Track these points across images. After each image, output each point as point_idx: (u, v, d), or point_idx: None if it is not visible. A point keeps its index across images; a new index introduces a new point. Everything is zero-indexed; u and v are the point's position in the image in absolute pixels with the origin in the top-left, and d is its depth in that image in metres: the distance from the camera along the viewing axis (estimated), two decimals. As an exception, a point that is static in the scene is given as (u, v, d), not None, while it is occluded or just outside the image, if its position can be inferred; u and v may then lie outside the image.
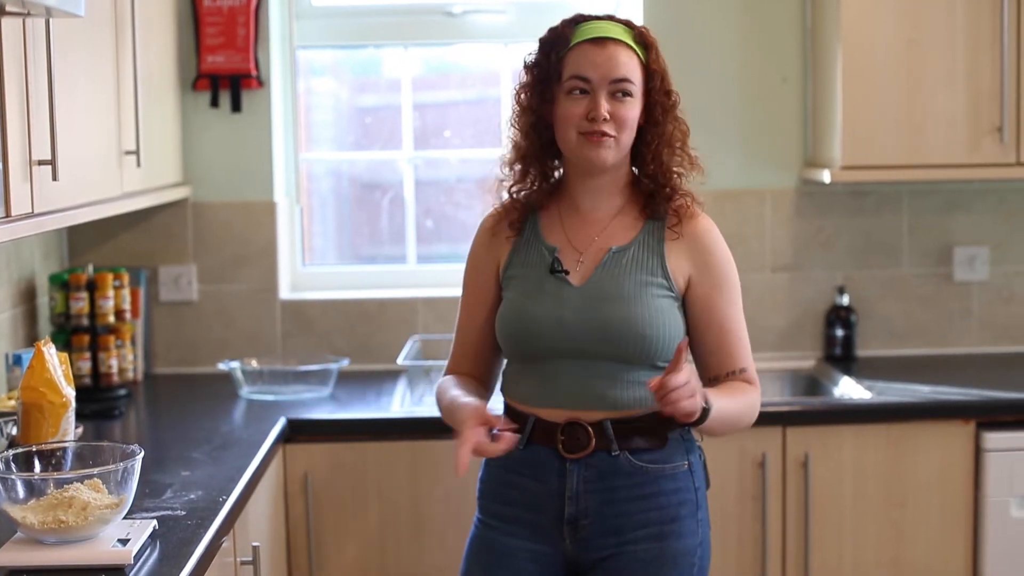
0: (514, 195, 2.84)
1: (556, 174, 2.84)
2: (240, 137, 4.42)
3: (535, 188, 2.83)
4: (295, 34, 4.49)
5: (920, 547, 3.93)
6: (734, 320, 2.78)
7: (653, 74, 2.73)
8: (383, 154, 4.73)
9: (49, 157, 2.80)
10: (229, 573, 2.89)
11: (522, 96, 2.81)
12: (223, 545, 2.75)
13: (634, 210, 2.79)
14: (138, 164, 3.59)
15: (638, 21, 4.42)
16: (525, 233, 2.82)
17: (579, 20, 2.77)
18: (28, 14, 2.46)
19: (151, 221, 4.40)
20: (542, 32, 4.52)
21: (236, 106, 4.38)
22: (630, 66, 2.70)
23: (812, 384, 4.45)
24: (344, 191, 4.80)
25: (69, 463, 2.67)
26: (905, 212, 4.57)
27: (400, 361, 4.10)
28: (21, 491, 2.46)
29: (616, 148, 2.70)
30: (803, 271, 4.58)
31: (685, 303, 2.75)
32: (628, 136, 2.71)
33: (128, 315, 4.12)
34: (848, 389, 4.18)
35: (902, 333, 4.62)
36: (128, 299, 4.12)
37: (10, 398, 3.47)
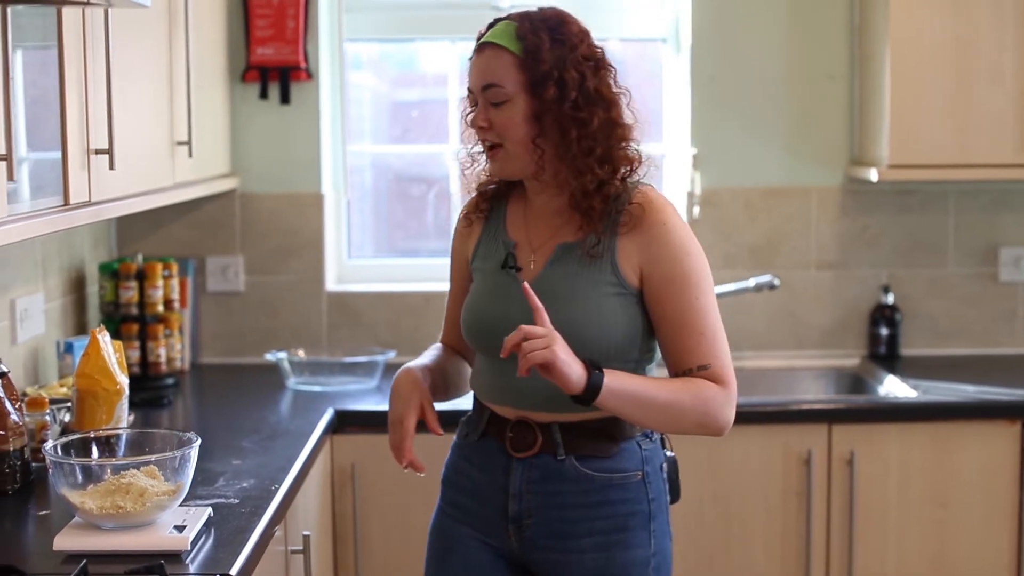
0: (479, 185, 2.76)
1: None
2: (288, 129, 4.44)
3: (492, 181, 2.75)
4: (344, 27, 4.50)
5: (964, 546, 3.93)
6: (691, 313, 2.56)
7: (532, 68, 2.52)
8: (430, 148, 4.75)
9: (106, 146, 2.83)
10: (280, 562, 2.91)
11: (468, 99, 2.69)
12: (275, 534, 2.77)
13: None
14: (190, 154, 3.61)
15: (685, 18, 4.47)
16: (492, 224, 2.74)
17: (489, 27, 2.62)
18: (88, 3, 2.48)
19: (199, 211, 4.42)
20: (589, 26, 4.56)
21: (285, 98, 4.40)
22: (497, 69, 2.54)
23: (856, 382, 4.44)
24: (383, 185, 4.81)
25: (123, 450, 2.70)
26: (951, 211, 4.56)
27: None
28: (79, 477, 2.49)
29: (510, 157, 2.58)
30: (848, 269, 4.57)
31: (644, 298, 2.60)
32: (514, 143, 2.55)
33: (176, 305, 4.15)
34: (893, 388, 4.18)
35: (947, 332, 4.61)
36: (177, 289, 4.15)
37: (62, 385, 3.50)
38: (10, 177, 2.31)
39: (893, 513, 3.92)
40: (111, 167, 2.85)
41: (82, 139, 2.74)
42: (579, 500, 2.62)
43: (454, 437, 2.83)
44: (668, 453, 2.76)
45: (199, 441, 2.58)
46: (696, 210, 4.51)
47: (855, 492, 3.89)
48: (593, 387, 2.45)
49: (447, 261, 2.88)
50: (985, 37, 4.14)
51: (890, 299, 4.53)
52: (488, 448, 2.69)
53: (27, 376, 3.56)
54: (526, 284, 2.50)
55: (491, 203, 2.76)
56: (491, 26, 2.61)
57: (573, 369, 2.42)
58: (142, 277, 4.04)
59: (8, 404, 2.84)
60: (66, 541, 2.42)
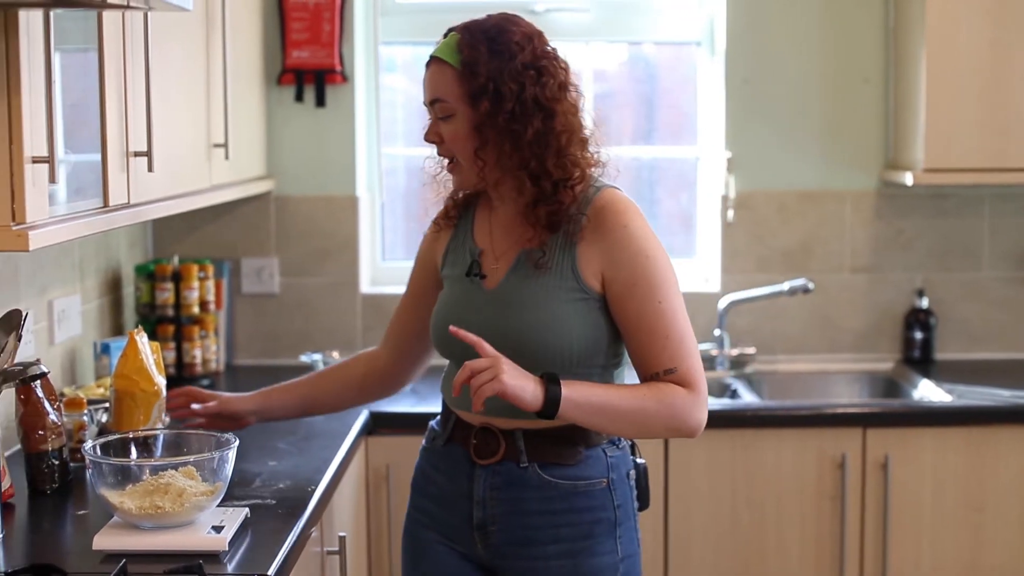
0: (449, 193, 2.77)
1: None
2: (324, 131, 4.46)
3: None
4: (379, 30, 4.52)
5: (999, 551, 3.92)
6: (655, 317, 2.54)
7: (470, 80, 2.53)
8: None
9: (145, 149, 2.85)
10: (316, 563, 2.92)
11: None
12: (312, 535, 2.78)
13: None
14: (226, 157, 3.63)
15: (719, 21, 4.47)
16: (460, 231, 2.75)
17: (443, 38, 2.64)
18: (128, 6, 2.49)
19: (234, 213, 4.44)
20: (624, 30, 4.57)
21: (320, 101, 4.42)
22: (440, 83, 2.56)
23: (891, 386, 4.43)
24: (417, 187, 4.82)
25: (160, 450, 2.71)
26: (986, 215, 4.54)
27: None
28: (118, 477, 2.50)
29: (463, 171, 2.61)
30: (882, 273, 4.56)
31: (608, 303, 2.59)
32: (463, 155, 2.58)
33: (212, 306, 4.18)
34: (928, 392, 4.17)
35: (981, 336, 4.59)
36: (212, 290, 4.17)
37: (99, 386, 3.52)
38: (52, 179, 2.33)
39: (928, 517, 3.91)
40: (150, 169, 2.86)
41: (121, 142, 2.75)
42: (543, 507, 2.63)
43: (422, 441, 2.86)
44: (638, 460, 2.76)
45: (237, 442, 2.60)
46: (730, 213, 4.51)
47: (889, 496, 3.88)
48: (551, 401, 2.46)
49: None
50: (1021, 41, 4.13)
51: (924, 303, 4.52)
52: (453, 454, 2.71)
53: (64, 377, 3.58)
54: (452, 328, 2.50)
55: (460, 210, 2.77)
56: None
57: (526, 389, 2.44)
58: (178, 279, 4.07)
59: (47, 404, 2.85)
60: (105, 540, 2.44)
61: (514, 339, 2.55)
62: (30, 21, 2.29)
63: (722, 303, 4.49)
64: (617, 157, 2.68)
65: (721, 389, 4.40)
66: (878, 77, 4.50)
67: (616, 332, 2.61)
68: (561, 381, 2.48)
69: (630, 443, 2.74)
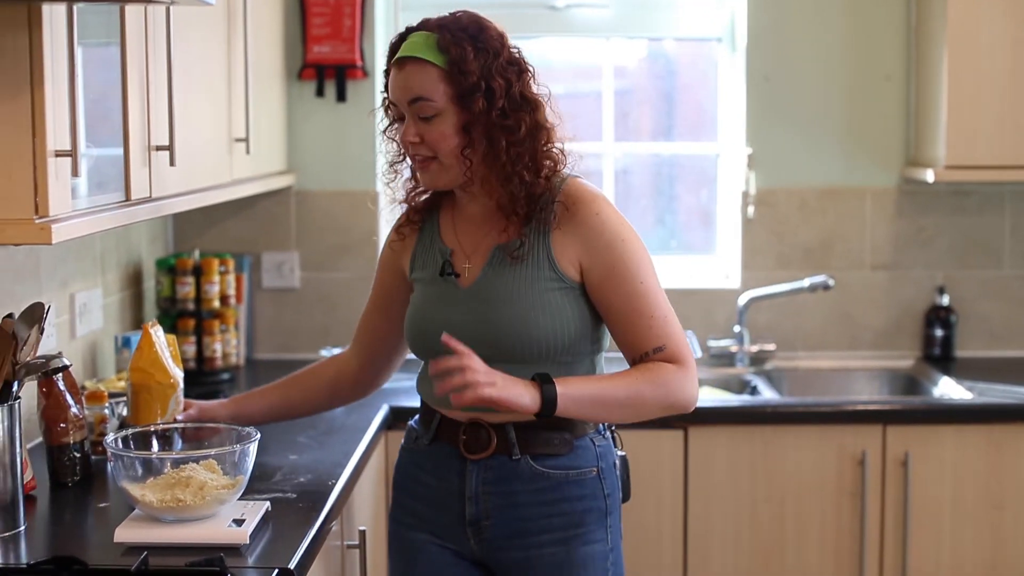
0: (409, 197, 2.75)
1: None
2: (344, 127, 4.46)
3: (423, 192, 2.74)
4: (400, 25, 4.52)
5: (1019, 549, 3.91)
6: (637, 299, 2.57)
7: (459, 80, 2.51)
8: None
9: (167, 143, 2.85)
10: (336, 557, 2.93)
11: (387, 111, 2.68)
12: (332, 529, 2.79)
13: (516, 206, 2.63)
14: (247, 151, 3.64)
15: (740, 18, 4.46)
16: (425, 235, 2.74)
17: (402, 37, 2.60)
18: (150, 0, 2.51)
19: (255, 208, 4.45)
20: (644, 26, 4.57)
21: (341, 96, 4.42)
22: (424, 83, 2.52)
23: (911, 383, 4.42)
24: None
25: (181, 444, 2.72)
26: (1008, 212, 4.53)
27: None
28: (139, 469, 2.51)
29: (443, 169, 2.57)
30: (903, 270, 4.55)
31: (587, 291, 2.60)
32: (448, 155, 2.55)
33: (232, 300, 4.18)
34: (948, 389, 4.16)
35: (1002, 334, 4.58)
36: (233, 284, 4.17)
37: (120, 379, 3.53)
38: (74, 173, 2.34)
39: (948, 515, 3.90)
40: (172, 163, 2.87)
41: (143, 136, 2.76)
42: (536, 498, 2.64)
43: (402, 441, 2.85)
44: (619, 453, 2.77)
45: (259, 436, 2.60)
46: (751, 210, 4.51)
47: (909, 493, 3.88)
48: (548, 402, 2.48)
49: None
50: (1044, 38, 4.12)
51: (945, 300, 4.51)
52: (441, 452, 2.69)
53: (85, 370, 3.60)
54: (445, 335, 2.49)
55: (423, 214, 2.75)
56: (403, 37, 2.59)
57: (523, 396, 2.47)
58: (199, 273, 4.07)
59: (69, 397, 2.86)
60: (127, 533, 2.44)
61: (495, 334, 2.57)
62: (53, 15, 2.30)
63: (742, 300, 4.48)
64: (575, 154, 2.67)
65: (741, 386, 4.40)
66: (900, 74, 4.49)
67: (595, 319, 2.64)
68: (554, 380, 2.51)
69: (611, 433, 2.75)
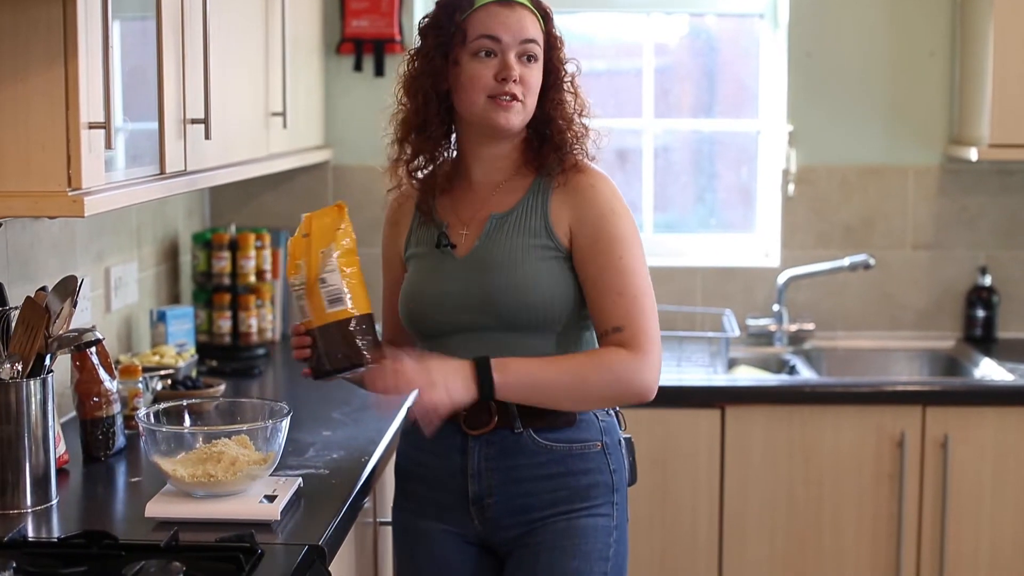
0: (413, 176, 2.70)
1: (447, 153, 2.70)
2: (382, 101, 4.41)
3: (430, 168, 2.69)
4: None
5: (1060, 533, 3.87)
6: (612, 272, 2.53)
7: (553, 42, 2.61)
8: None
9: (202, 116, 2.84)
10: (368, 533, 2.91)
11: (415, 63, 2.64)
12: (364, 506, 2.77)
13: (524, 174, 2.63)
14: (284, 126, 3.62)
15: (785, -8, 4.41)
16: (419, 216, 2.69)
17: None
18: (187, -26, 2.50)
19: (292, 183, 4.43)
20: (685, 1, 4.52)
21: (379, 70, 4.40)
22: (536, 30, 2.57)
23: (952, 364, 4.38)
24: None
25: (214, 419, 2.71)
26: (1052, 192, 4.48)
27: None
28: (171, 444, 2.50)
29: (523, 112, 2.57)
30: (945, 250, 4.50)
31: (572, 259, 2.57)
32: (533, 100, 2.58)
33: (268, 275, 4.17)
34: (989, 371, 4.11)
35: (1045, 315, 4.53)
36: (269, 260, 4.16)
37: (155, 353, 3.53)
38: (108, 145, 2.32)
39: (987, 497, 3.86)
40: (207, 137, 2.86)
41: (179, 109, 2.75)
42: (539, 472, 2.58)
43: (398, 425, 2.81)
44: (624, 435, 2.71)
45: (291, 412, 2.59)
46: (791, 188, 4.47)
47: (948, 476, 3.84)
48: (484, 386, 2.47)
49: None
50: (1091, 14, 4.06)
51: (987, 281, 4.46)
52: (441, 431, 2.54)
53: (120, 344, 3.59)
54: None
55: (423, 197, 2.69)
56: None
57: (460, 391, 2.46)
58: (235, 247, 4.06)
59: (102, 371, 2.86)
60: (158, 508, 2.44)
61: (495, 302, 2.53)
62: (88, -14, 2.28)
63: (781, 278, 4.44)
64: (598, 131, 2.68)
65: (779, 365, 4.36)
66: (944, 50, 4.43)
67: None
68: (492, 361, 2.48)
69: (614, 413, 2.69)
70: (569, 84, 2.63)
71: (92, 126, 2.30)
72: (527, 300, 2.53)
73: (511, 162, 2.63)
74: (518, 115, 2.56)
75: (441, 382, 2.44)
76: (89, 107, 2.30)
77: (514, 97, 2.54)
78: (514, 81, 2.53)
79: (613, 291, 2.52)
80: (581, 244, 2.55)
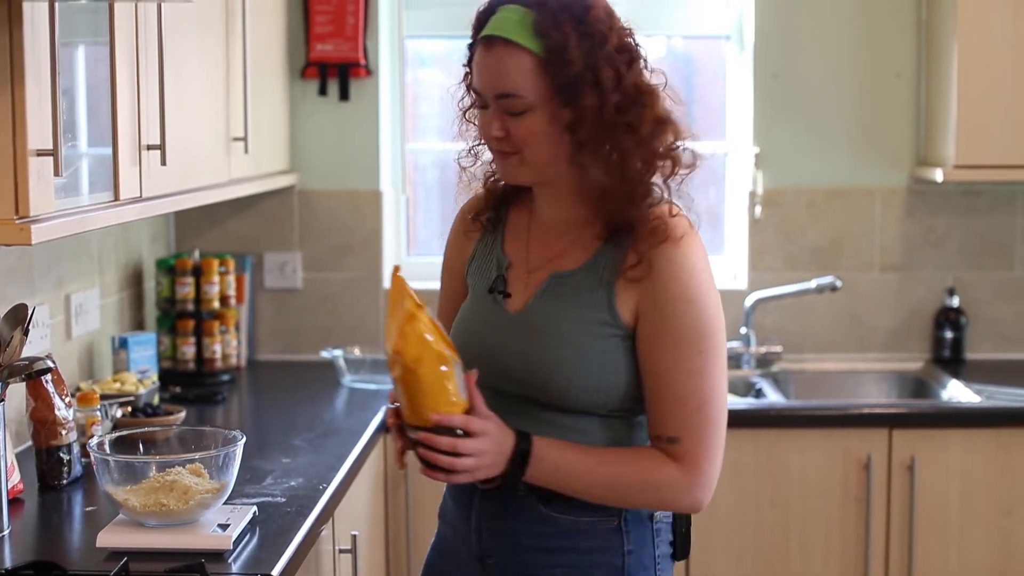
0: (487, 181, 2.40)
1: None
2: (347, 126, 4.42)
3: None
4: (404, 23, 4.48)
5: (1028, 555, 3.86)
6: (678, 374, 2.17)
7: (560, 71, 2.13)
8: (489, 145, 4.71)
9: (158, 142, 2.82)
10: (328, 562, 2.89)
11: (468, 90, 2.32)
12: (322, 533, 2.75)
13: (597, 223, 2.25)
14: (246, 151, 3.60)
15: (748, 15, 4.41)
16: (488, 235, 2.40)
17: (491, 8, 2.21)
18: (136, -4, 2.48)
19: (257, 208, 4.41)
20: (654, 23, 4.51)
21: (344, 95, 4.39)
22: (514, 74, 2.14)
23: (919, 386, 4.37)
24: (450, 181, 4.77)
25: (171, 447, 2.68)
26: (1019, 212, 4.46)
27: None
28: (123, 473, 2.47)
29: (526, 165, 2.20)
30: (912, 271, 4.49)
31: (635, 342, 2.22)
32: (534, 151, 2.18)
33: (233, 301, 4.15)
34: (957, 392, 4.10)
35: (1014, 336, 4.51)
36: (233, 285, 4.14)
37: (115, 380, 3.50)
38: (56, 172, 2.30)
39: (955, 521, 3.85)
40: (163, 163, 2.84)
41: (133, 134, 2.73)
42: (539, 544, 2.28)
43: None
44: None
45: (243, 439, 2.56)
46: (758, 210, 4.46)
47: (916, 499, 3.82)
48: (517, 464, 2.17)
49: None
50: (1055, 36, 4.06)
51: (955, 302, 4.45)
52: None
53: (82, 371, 3.57)
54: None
55: (494, 209, 2.40)
56: (489, 10, 2.21)
57: (491, 470, 2.16)
58: (198, 273, 4.04)
59: (57, 399, 2.83)
60: (109, 538, 2.41)
61: (541, 373, 2.21)
62: (35, 12, 2.26)
63: (749, 300, 4.43)
64: (699, 154, 2.29)
65: (746, 388, 4.35)
66: (910, 72, 4.43)
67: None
68: (532, 452, 2.17)
69: None
70: (624, 115, 2.15)
71: (40, 153, 2.28)
72: (574, 378, 2.20)
73: (579, 203, 2.26)
74: (518, 169, 2.22)
75: (490, 465, 2.16)
76: (38, 134, 2.28)
77: (506, 153, 2.22)
78: (496, 137, 2.20)
79: (676, 397, 2.18)
80: (647, 331, 2.19)
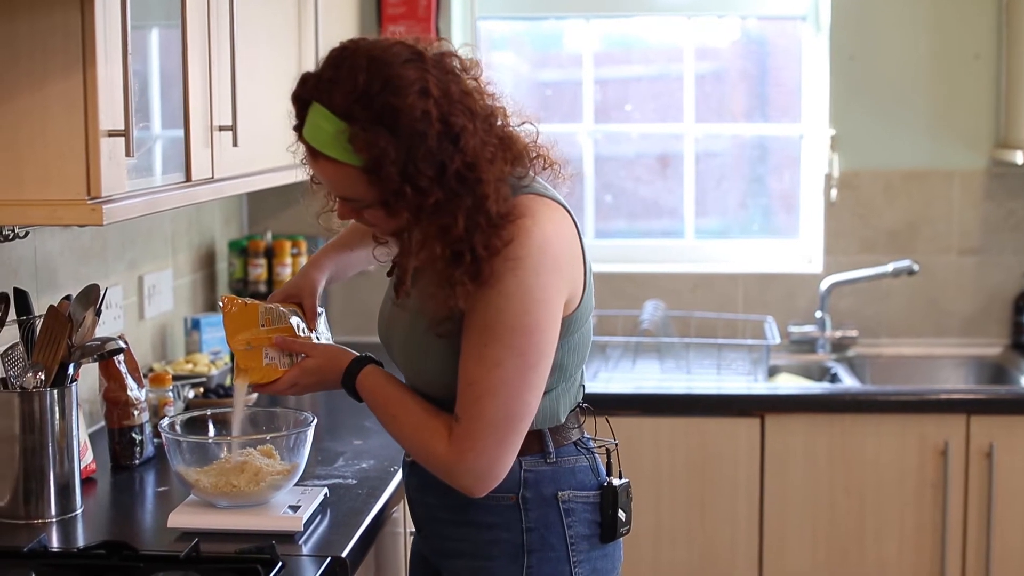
0: None
1: None
2: (419, 107, 4.40)
3: None
4: (477, 4, 4.46)
5: (1108, 544, 3.80)
6: (470, 360, 2.14)
7: (382, 181, 2.09)
8: (562, 127, 4.68)
9: (230, 123, 2.82)
10: (398, 544, 2.88)
11: None
12: (393, 515, 2.74)
13: None
14: (318, 132, 3.59)
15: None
16: None
17: (303, 100, 2.20)
18: (212, -21, 2.48)
19: (330, 190, 4.40)
20: (729, 4, 4.48)
21: (416, 76, 4.37)
22: (346, 184, 2.15)
23: (998, 372, 4.31)
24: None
25: (243, 428, 2.67)
26: (1101, 196, 4.40)
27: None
28: (195, 454, 2.48)
29: (381, 231, 2.28)
30: (992, 255, 4.43)
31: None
32: (383, 229, 2.25)
33: (305, 283, 4.14)
34: (1036, 378, 4.05)
35: (1095, 322, 4.45)
36: (305, 267, 4.14)
37: (188, 361, 3.51)
38: (128, 153, 2.30)
39: (1034, 508, 3.80)
40: (235, 144, 2.84)
41: (205, 116, 2.73)
42: (449, 516, 2.33)
43: None
44: (615, 481, 2.35)
45: (315, 421, 2.56)
46: (833, 193, 4.41)
47: (994, 486, 3.77)
48: (349, 374, 2.33)
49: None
50: None
51: (1035, 286, 4.39)
52: None
53: (155, 352, 3.58)
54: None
55: None
56: (305, 98, 2.17)
57: (322, 380, 2.39)
58: (271, 254, 4.05)
59: (130, 380, 2.84)
60: (180, 519, 2.41)
61: (405, 358, 2.33)
62: (107, -7, 2.26)
63: (824, 284, 4.38)
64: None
65: (821, 373, 4.30)
66: (989, 53, 4.36)
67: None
68: (365, 371, 2.31)
69: (605, 462, 2.38)
70: (452, 202, 2.11)
71: (111, 134, 2.28)
72: (417, 371, 2.29)
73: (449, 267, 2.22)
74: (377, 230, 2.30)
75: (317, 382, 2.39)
76: (110, 115, 2.28)
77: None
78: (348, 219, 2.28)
79: (465, 377, 2.16)
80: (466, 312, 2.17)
